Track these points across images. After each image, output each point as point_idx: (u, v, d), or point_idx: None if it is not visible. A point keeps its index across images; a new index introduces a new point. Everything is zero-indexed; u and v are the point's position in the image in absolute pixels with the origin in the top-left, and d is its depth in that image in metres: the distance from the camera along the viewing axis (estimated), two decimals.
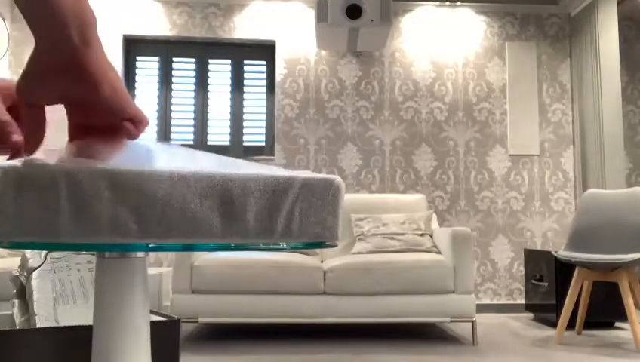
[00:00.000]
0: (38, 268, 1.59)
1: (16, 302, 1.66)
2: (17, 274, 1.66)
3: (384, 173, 4.61)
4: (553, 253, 3.53)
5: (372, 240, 3.68)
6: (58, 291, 1.59)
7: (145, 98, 4.63)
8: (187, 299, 3.20)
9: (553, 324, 3.93)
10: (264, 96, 4.70)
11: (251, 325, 3.89)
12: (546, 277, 3.90)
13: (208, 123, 4.64)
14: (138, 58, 4.65)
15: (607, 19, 4.34)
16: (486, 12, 4.78)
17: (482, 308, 4.54)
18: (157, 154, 0.71)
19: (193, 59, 4.69)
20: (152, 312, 1.71)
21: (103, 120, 0.64)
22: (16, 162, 0.58)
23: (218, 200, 0.62)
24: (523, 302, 4.55)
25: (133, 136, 0.67)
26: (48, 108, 0.64)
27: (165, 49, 4.67)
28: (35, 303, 1.56)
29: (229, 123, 4.66)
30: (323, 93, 4.63)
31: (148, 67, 4.65)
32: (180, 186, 0.61)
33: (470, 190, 4.65)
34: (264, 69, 4.73)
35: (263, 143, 4.67)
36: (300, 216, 0.66)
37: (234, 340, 3.38)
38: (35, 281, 1.58)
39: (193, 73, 4.68)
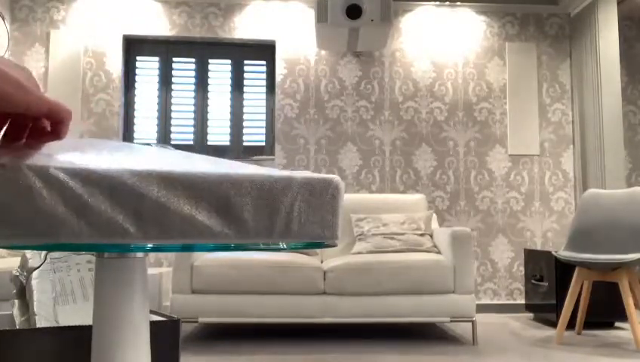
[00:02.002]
0: (38, 268, 1.59)
1: (16, 302, 1.66)
2: (17, 274, 1.66)
3: (384, 173, 4.61)
4: (553, 253, 3.53)
5: (372, 240, 3.68)
6: (58, 291, 1.59)
7: (145, 98, 4.63)
8: (187, 299, 3.21)
9: (553, 324, 3.93)
10: (264, 96, 4.70)
11: (251, 325, 3.89)
12: (546, 277, 3.90)
13: (208, 123, 4.65)
14: (138, 58, 4.65)
15: (607, 19, 4.34)
16: (486, 12, 4.78)
17: (482, 308, 4.54)
18: (153, 156, 0.71)
19: (193, 59, 4.69)
20: (152, 312, 1.71)
21: (10, 117, 0.62)
22: (13, 164, 0.58)
23: (214, 200, 0.62)
24: (523, 302, 4.55)
25: (55, 135, 0.63)
26: None
27: (165, 49, 4.67)
28: (35, 303, 1.56)
29: (229, 123, 4.67)
30: (323, 93, 4.64)
31: (148, 67, 4.65)
32: (175, 187, 0.61)
33: (470, 190, 4.65)
34: (264, 69, 4.73)
35: (263, 143, 4.67)
36: (299, 215, 0.66)
37: (234, 340, 3.38)
38: (35, 281, 1.58)
39: (193, 73, 4.68)
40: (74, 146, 0.68)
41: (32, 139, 0.64)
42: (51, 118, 0.61)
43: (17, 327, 1.61)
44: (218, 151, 4.62)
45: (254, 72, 4.72)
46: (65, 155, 0.63)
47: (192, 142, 4.62)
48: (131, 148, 0.72)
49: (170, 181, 0.61)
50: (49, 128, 0.64)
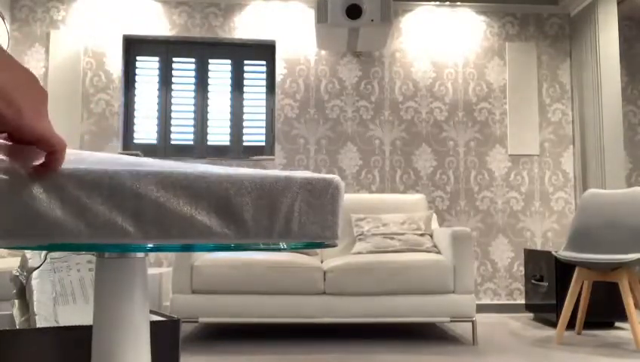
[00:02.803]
0: (38, 268, 1.59)
1: (16, 302, 1.66)
2: (17, 274, 1.66)
3: (384, 173, 4.61)
4: (553, 253, 3.53)
5: (372, 240, 3.68)
6: (58, 291, 1.59)
7: (145, 98, 4.63)
8: (187, 299, 3.20)
9: (553, 324, 3.93)
10: (264, 96, 4.70)
11: (251, 325, 3.89)
12: (546, 277, 3.90)
13: (208, 123, 4.64)
14: (138, 58, 4.65)
15: (607, 19, 4.34)
16: (486, 12, 4.78)
17: (482, 308, 4.54)
18: (151, 161, 0.71)
19: (193, 59, 4.69)
20: (152, 312, 1.71)
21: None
22: (16, 165, 0.58)
23: (214, 200, 0.62)
24: (523, 302, 4.55)
25: (46, 166, 0.61)
26: None
27: (165, 49, 4.67)
28: (35, 303, 1.56)
29: (229, 123, 4.66)
30: (323, 93, 4.63)
31: (148, 67, 4.65)
32: (175, 187, 0.61)
33: (470, 190, 4.65)
34: (264, 69, 4.73)
35: (263, 143, 4.67)
36: (300, 215, 0.66)
37: (234, 340, 3.38)
38: (35, 281, 1.58)
39: (193, 73, 4.68)
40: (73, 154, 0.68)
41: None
42: (41, 147, 0.60)
43: (17, 327, 1.61)
44: (218, 151, 4.62)
45: (254, 72, 4.72)
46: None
47: (192, 142, 4.62)
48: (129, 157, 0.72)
49: (170, 181, 0.61)
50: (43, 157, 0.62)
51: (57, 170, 0.62)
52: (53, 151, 0.61)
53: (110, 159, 0.69)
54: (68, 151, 0.71)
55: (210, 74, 4.69)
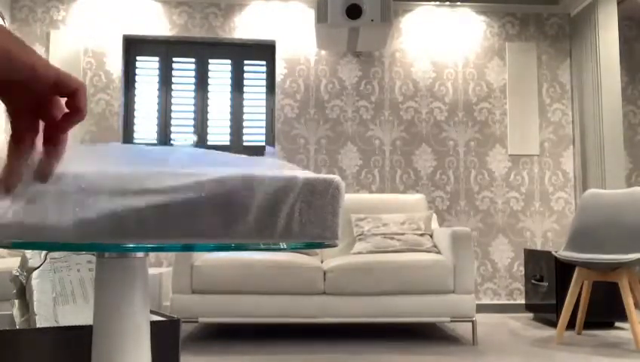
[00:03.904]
0: (38, 268, 1.59)
1: (16, 302, 1.66)
2: (17, 274, 1.66)
3: (384, 173, 4.61)
4: (553, 253, 3.53)
5: (372, 240, 3.68)
6: (58, 291, 1.59)
7: (145, 98, 4.63)
8: (187, 299, 3.20)
9: (553, 324, 3.93)
10: (264, 96, 4.70)
11: (251, 325, 3.89)
12: (546, 277, 3.90)
13: (208, 123, 4.64)
14: (138, 58, 4.65)
15: (607, 19, 4.34)
16: (486, 12, 4.78)
17: (482, 308, 4.54)
18: (158, 155, 0.70)
19: (193, 59, 4.69)
20: (152, 312, 1.71)
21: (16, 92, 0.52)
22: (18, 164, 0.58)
23: (220, 201, 0.62)
24: (523, 302, 4.55)
25: (77, 113, 0.53)
26: None
27: (165, 49, 4.67)
28: (35, 303, 1.56)
29: (229, 123, 4.66)
30: (323, 93, 4.63)
31: (148, 67, 4.65)
32: (181, 188, 0.61)
33: (470, 190, 4.64)
34: (264, 69, 4.72)
35: (263, 143, 4.67)
36: (300, 215, 0.66)
37: (234, 340, 3.38)
38: (35, 281, 1.58)
39: (193, 73, 4.67)
40: (81, 151, 0.68)
41: (56, 126, 0.55)
42: (61, 88, 0.51)
43: (17, 327, 1.61)
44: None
45: (254, 72, 4.72)
46: (68, 155, 0.63)
47: (192, 142, 4.62)
48: (147, 155, 0.71)
49: (176, 184, 0.61)
50: (65, 108, 0.54)
51: (85, 113, 0.53)
52: (75, 90, 0.52)
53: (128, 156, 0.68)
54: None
55: (210, 74, 4.69)
